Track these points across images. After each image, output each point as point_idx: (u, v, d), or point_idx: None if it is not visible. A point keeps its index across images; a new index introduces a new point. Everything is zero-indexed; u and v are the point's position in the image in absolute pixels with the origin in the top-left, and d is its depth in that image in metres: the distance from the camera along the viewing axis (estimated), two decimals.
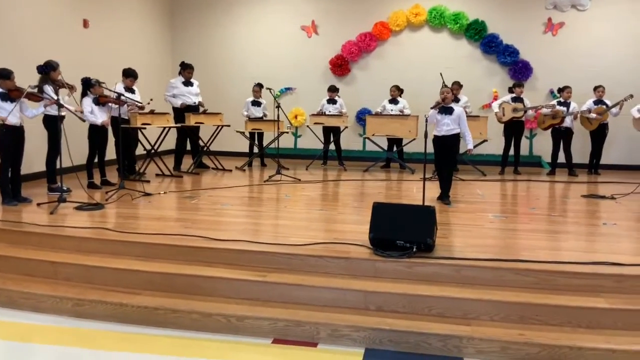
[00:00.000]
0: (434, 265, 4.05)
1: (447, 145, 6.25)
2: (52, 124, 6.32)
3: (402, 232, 4.23)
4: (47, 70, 6.23)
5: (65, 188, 6.29)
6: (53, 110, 6.15)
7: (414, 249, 4.16)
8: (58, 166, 6.01)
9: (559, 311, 3.64)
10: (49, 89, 6.21)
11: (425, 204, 5.85)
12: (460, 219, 5.56)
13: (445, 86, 6.26)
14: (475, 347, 3.47)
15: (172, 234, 4.68)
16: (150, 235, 4.66)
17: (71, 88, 6.48)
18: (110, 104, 6.97)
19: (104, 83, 6.87)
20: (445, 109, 6.16)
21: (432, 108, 6.18)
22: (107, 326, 3.90)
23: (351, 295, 3.89)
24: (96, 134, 7.02)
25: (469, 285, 3.94)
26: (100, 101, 6.89)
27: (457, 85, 9.28)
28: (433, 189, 6.62)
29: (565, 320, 3.62)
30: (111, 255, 4.49)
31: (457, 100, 9.30)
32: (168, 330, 3.83)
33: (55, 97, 6.08)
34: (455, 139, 6.31)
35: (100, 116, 6.89)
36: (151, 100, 7.65)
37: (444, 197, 6.38)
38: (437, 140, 6.26)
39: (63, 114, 6.09)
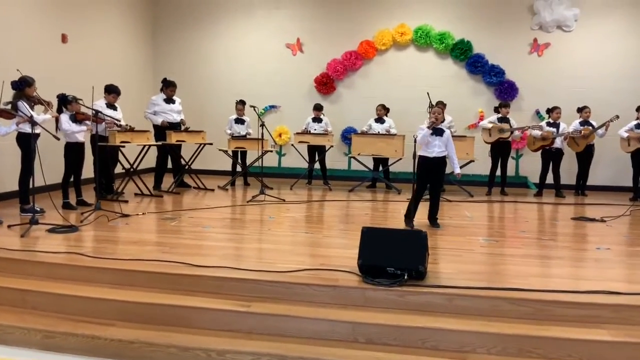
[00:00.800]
0: (426, 294, 3.85)
1: (437, 167, 6.08)
2: (26, 142, 6.04)
3: (392, 259, 4.04)
4: (22, 87, 5.98)
5: (38, 209, 6.02)
6: (27, 128, 5.88)
7: (405, 277, 3.96)
8: (31, 185, 5.74)
9: (559, 344, 3.46)
10: (23, 106, 5.96)
11: (415, 227, 5.76)
12: (450, 243, 5.39)
13: (436, 105, 6.11)
14: None
15: (149, 260, 4.43)
16: (126, 261, 4.41)
17: (47, 105, 6.24)
18: (87, 122, 6.72)
19: (81, 99, 6.63)
20: (436, 130, 6.00)
21: (428, 128, 5.97)
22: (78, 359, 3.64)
23: (340, 326, 3.67)
24: (72, 152, 6.76)
25: (463, 315, 3.74)
26: (77, 118, 6.64)
27: (442, 105, 9.16)
28: (420, 211, 6.44)
29: (565, 354, 3.43)
30: (84, 283, 4.21)
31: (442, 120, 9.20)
32: None
33: (29, 114, 5.82)
34: (444, 160, 6.16)
35: (77, 130, 6.64)
36: (133, 128, 7.45)
37: (433, 221, 6.20)
38: (427, 161, 6.05)
39: (37, 131, 5.84)
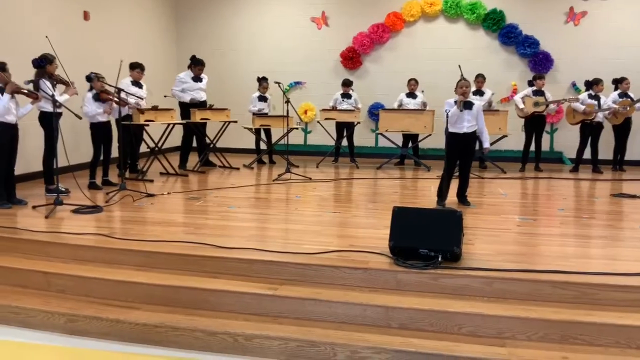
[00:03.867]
0: (462, 277, 3.66)
1: (468, 143, 5.80)
2: (48, 121, 5.97)
3: (425, 240, 3.85)
4: (43, 64, 5.88)
5: (63, 189, 5.95)
6: (48, 107, 5.79)
7: (439, 259, 3.77)
8: (55, 166, 5.67)
9: (606, 330, 3.24)
10: (45, 84, 5.87)
11: (446, 207, 5.54)
12: (485, 222, 5.16)
13: (464, 79, 5.80)
14: None
15: (174, 241, 4.32)
16: (151, 242, 4.30)
17: (67, 84, 6.13)
18: (110, 103, 6.58)
19: (103, 77, 6.50)
20: (465, 104, 5.70)
21: (457, 105, 5.67)
22: (102, 344, 3.54)
23: (371, 311, 3.51)
24: (98, 132, 6.68)
25: (502, 299, 3.55)
26: (100, 97, 6.53)
27: (482, 78, 8.90)
28: (451, 189, 6.19)
29: (613, 341, 3.22)
30: (108, 265, 4.13)
31: (481, 93, 8.90)
32: (169, 349, 3.46)
33: (51, 93, 5.73)
34: (475, 135, 5.88)
35: (99, 110, 6.54)
36: (165, 96, 7.32)
37: (463, 198, 5.96)
38: (457, 137, 5.72)
39: (59, 111, 5.75)
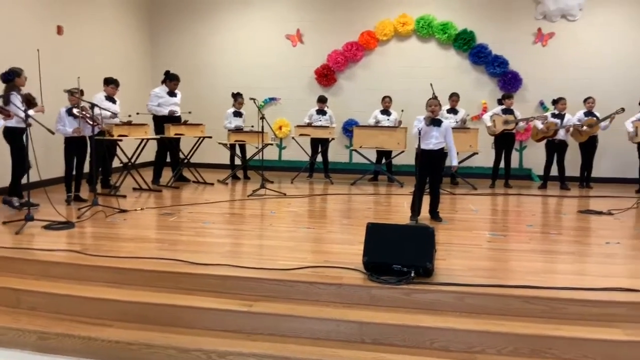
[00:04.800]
0: (434, 292, 3.73)
1: (435, 159, 5.92)
2: (12, 137, 5.91)
3: (398, 256, 3.91)
4: (11, 77, 5.83)
5: (17, 203, 5.94)
6: (13, 122, 5.74)
7: (412, 274, 3.83)
8: (27, 180, 5.60)
9: (573, 343, 3.34)
10: (17, 98, 5.81)
11: (419, 222, 5.62)
12: (456, 238, 5.25)
13: (435, 98, 5.93)
14: None
15: (148, 258, 4.30)
16: (124, 259, 4.27)
17: (33, 104, 6.05)
18: (81, 118, 6.52)
19: (76, 91, 6.39)
20: (433, 121, 5.83)
21: (425, 122, 5.80)
22: None
23: (345, 326, 3.55)
24: (71, 145, 6.62)
25: (473, 314, 3.62)
26: (72, 113, 6.47)
27: (456, 97, 9.08)
28: (423, 205, 6.28)
29: (580, 354, 3.31)
30: (80, 282, 4.08)
31: (455, 112, 9.08)
32: None
33: (23, 107, 5.67)
34: (443, 152, 6.01)
35: (71, 126, 6.48)
36: (137, 114, 7.30)
37: (435, 214, 6.06)
38: (425, 154, 5.81)
39: (22, 125, 5.70)
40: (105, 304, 3.83)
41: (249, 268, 4.07)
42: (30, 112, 5.93)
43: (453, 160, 6.13)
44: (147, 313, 3.75)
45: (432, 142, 5.82)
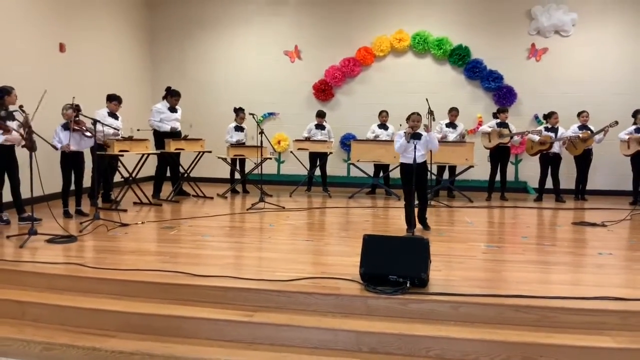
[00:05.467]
0: (429, 302, 3.83)
1: (420, 172, 6.03)
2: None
3: (394, 267, 4.02)
4: (2, 95, 5.94)
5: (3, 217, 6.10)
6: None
7: (408, 285, 3.93)
8: (31, 195, 5.71)
9: (565, 351, 3.43)
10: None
11: (415, 234, 5.73)
12: (452, 249, 5.36)
13: (417, 114, 6.08)
14: None
15: (149, 270, 4.39)
16: (126, 271, 4.37)
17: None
18: (82, 133, 6.64)
19: (71, 106, 6.50)
20: (414, 136, 5.95)
21: (406, 137, 5.91)
22: None
23: (343, 335, 3.64)
24: (67, 160, 6.73)
25: (467, 323, 3.71)
26: (69, 127, 6.57)
27: (455, 112, 9.24)
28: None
29: None
30: (84, 294, 4.17)
31: (454, 126, 9.23)
32: None
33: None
34: (425, 165, 6.15)
35: (65, 140, 6.58)
36: (138, 130, 7.43)
37: (423, 221, 6.20)
38: (408, 167, 5.92)
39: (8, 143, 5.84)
40: (108, 315, 3.92)
41: (249, 279, 4.16)
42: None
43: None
44: (149, 323, 3.84)
45: (417, 155, 5.86)
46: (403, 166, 6.06)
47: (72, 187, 6.89)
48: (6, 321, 4.01)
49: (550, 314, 3.71)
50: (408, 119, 6.09)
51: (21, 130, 5.72)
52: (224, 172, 9.94)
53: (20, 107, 5.62)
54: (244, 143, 9.37)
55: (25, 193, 6.22)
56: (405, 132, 5.95)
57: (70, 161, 6.78)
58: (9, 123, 5.86)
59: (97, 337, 3.77)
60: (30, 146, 5.55)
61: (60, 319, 3.98)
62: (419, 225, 6.16)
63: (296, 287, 4.02)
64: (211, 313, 3.87)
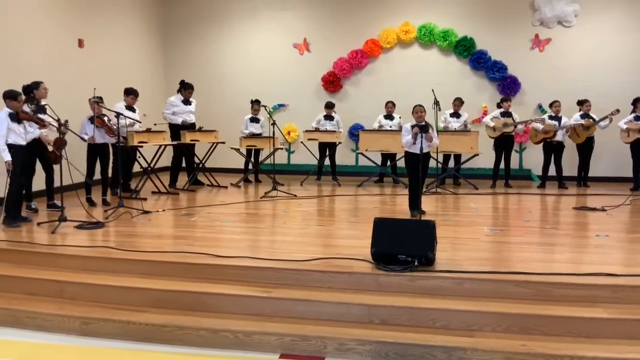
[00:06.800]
0: (435, 278, 4.15)
1: (425, 161, 6.31)
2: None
3: (403, 247, 4.32)
4: (31, 90, 6.25)
5: (58, 204, 6.41)
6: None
7: (416, 263, 4.25)
8: (60, 184, 6.05)
9: (560, 322, 3.74)
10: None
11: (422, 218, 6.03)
12: (457, 232, 5.67)
13: (420, 105, 6.34)
14: (479, 358, 3.54)
15: (176, 252, 4.74)
16: (153, 253, 4.71)
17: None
18: (103, 126, 6.98)
19: (99, 100, 6.83)
20: (422, 128, 6.16)
21: (414, 131, 6.14)
22: (114, 344, 3.93)
23: (356, 309, 3.97)
24: (93, 151, 7.08)
25: (470, 297, 4.03)
26: (93, 121, 6.91)
27: (459, 102, 9.51)
28: (426, 203, 6.71)
29: (565, 331, 3.71)
30: (116, 274, 4.53)
31: (458, 115, 9.51)
32: (175, 347, 3.87)
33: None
34: (429, 154, 6.44)
35: (90, 133, 6.91)
36: (144, 115, 7.75)
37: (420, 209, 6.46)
38: (416, 157, 6.15)
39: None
40: (140, 292, 4.27)
41: (267, 259, 4.50)
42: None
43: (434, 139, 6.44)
44: (177, 299, 4.19)
45: (424, 146, 6.09)
46: (408, 155, 6.35)
47: (96, 177, 7.23)
48: (46, 299, 4.37)
49: (546, 288, 4.02)
50: (413, 112, 6.35)
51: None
52: (236, 162, 10.27)
53: (66, 121, 5.94)
54: (260, 134, 9.68)
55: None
56: (413, 125, 6.19)
57: (97, 153, 7.12)
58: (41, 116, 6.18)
59: (130, 312, 4.11)
60: (58, 156, 5.93)
61: (96, 296, 4.33)
62: (428, 213, 6.43)
63: (311, 266, 4.35)
64: (233, 289, 4.21)
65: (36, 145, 6.33)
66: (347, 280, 4.24)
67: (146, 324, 3.96)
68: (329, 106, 9.95)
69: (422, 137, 6.07)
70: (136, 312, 4.11)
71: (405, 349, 3.63)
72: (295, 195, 8.14)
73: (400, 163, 9.72)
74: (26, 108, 6.06)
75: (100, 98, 6.82)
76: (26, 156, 5.98)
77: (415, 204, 6.29)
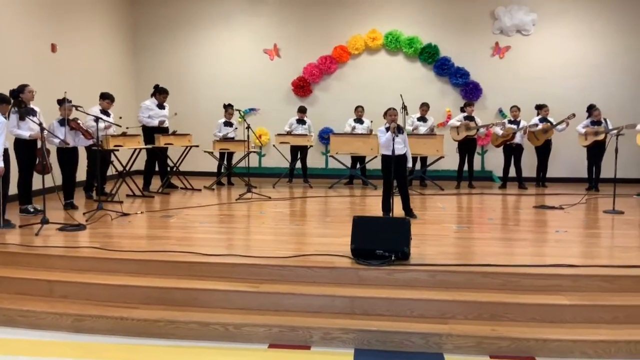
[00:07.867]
0: (411, 271, 4.46)
1: (401, 163, 6.58)
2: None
3: (381, 243, 4.61)
4: (17, 94, 6.36)
5: (34, 209, 6.52)
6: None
7: (392, 258, 4.55)
8: (43, 186, 6.14)
9: (526, 309, 4.10)
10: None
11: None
12: (428, 230, 6.01)
13: (393, 108, 6.62)
14: (454, 343, 3.87)
15: (163, 251, 4.91)
16: (141, 252, 4.88)
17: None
18: (79, 129, 7.05)
19: (80, 107, 6.90)
20: (398, 129, 6.45)
21: (389, 131, 6.39)
22: (107, 339, 4.09)
23: (339, 301, 4.24)
24: (63, 155, 7.13)
25: (443, 288, 4.35)
26: (69, 124, 6.94)
27: (426, 107, 9.91)
28: (397, 203, 6.99)
29: (531, 317, 4.07)
30: (106, 273, 4.67)
31: (424, 120, 9.90)
32: (168, 340, 4.05)
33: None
34: (405, 156, 6.67)
35: (61, 137, 6.94)
36: (120, 118, 7.88)
37: (408, 212, 6.76)
38: (390, 159, 6.38)
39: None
40: (130, 290, 4.44)
41: (253, 257, 4.72)
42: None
43: (409, 161, 6.82)
44: (168, 296, 4.37)
45: (398, 147, 6.42)
46: (384, 157, 6.63)
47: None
48: (38, 298, 4.49)
49: (513, 279, 4.37)
50: (385, 114, 6.64)
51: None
52: (210, 165, 10.40)
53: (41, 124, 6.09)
54: (233, 138, 9.86)
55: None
56: (387, 127, 6.49)
57: (67, 156, 7.15)
58: (31, 119, 6.23)
59: (122, 308, 4.28)
60: (45, 165, 6.15)
61: (87, 294, 4.47)
62: (400, 212, 6.73)
63: (296, 262, 4.60)
64: (222, 285, 4.42)
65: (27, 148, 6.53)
66: (330, 275, 4.51)
67: (138, 320, 4.13)
68: (302, 110, 10.21)
69: (393, 139, 6.35)
70: (128, 308, 4.28)
71: (386, 336, 3.92)
72: (270, 197, 8.36)
73: (369, 165, 10.10)
74: (13, 112, 6.18)
75: (70, 101, 6.85)
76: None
77: (386, 205, 6.58)
